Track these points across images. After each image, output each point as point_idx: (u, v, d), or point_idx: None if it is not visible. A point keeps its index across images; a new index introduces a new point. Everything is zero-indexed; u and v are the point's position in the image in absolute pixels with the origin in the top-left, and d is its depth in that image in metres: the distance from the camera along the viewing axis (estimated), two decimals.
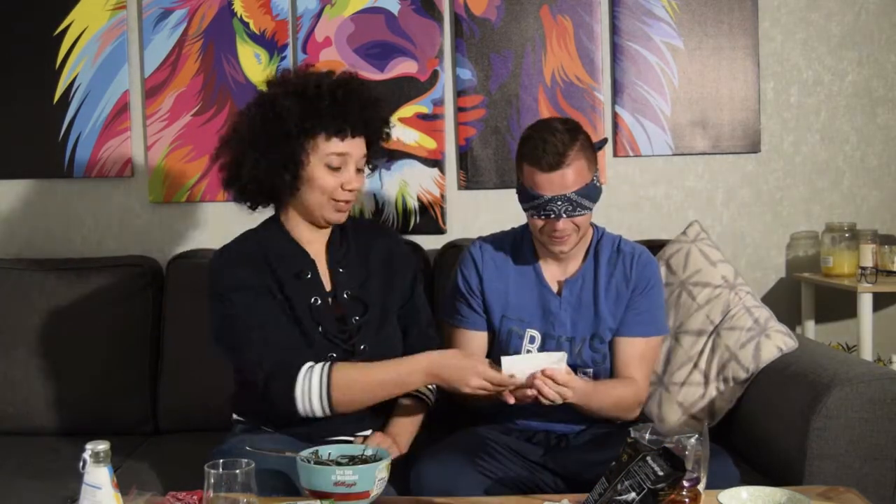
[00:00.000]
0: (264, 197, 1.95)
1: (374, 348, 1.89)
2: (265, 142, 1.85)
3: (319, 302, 1.90)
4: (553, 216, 1.88)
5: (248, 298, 1.85)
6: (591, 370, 2.00)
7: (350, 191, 1.89)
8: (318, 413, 1.78)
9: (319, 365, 1.78)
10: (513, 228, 2.14)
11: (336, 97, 1.86)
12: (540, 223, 1.92)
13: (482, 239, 2.13)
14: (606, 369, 2.01)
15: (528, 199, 1.91)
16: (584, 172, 1.89)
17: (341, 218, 1.94)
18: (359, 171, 1.92)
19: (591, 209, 1.93)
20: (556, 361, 1.78)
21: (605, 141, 2.09)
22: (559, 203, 1.87)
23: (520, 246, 2.08)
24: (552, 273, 2.04)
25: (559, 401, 1.78)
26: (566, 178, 1.87)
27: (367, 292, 1.95)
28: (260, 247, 1.93)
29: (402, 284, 2.02)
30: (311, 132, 1.85)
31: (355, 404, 1.81)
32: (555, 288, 2.03)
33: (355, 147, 1.89)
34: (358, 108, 1.88)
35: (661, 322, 2.08)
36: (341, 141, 1.86)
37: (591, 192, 1.91)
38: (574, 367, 1.97)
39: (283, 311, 1.87)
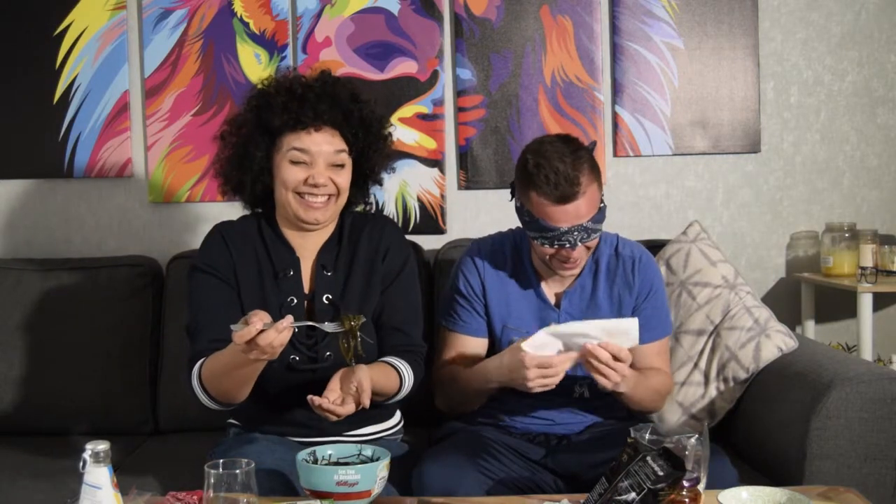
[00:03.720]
0: (247, 196, 1.95)
1: (340, 356, 1.81)
2: (235, 140, 1.89)
3: (295, 303, 1.88)
4: (569, 245, 1.83)
5: (210, 282, 1.87)
6: (588, 380, 1.96)
7: (315, 185, 1.84)
8: (213, 406, 1.79)
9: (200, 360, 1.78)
10: (510, 231, 2.09)
11: (293, 92, 1.85)
12: (550, 251, 1.87)
13: (480, 242, 2.08)
14: None
15: (540, 229, 1.84)
16: (596, 197, 1.84)
17: (315, 217, 1.87)
18: (336, 166, 1.87)
19: (601, 230, 1.89)
20: (625, 330, 1.75)
21: (594, 144, 1.97)
22: (574, 233, 1.81)
23: (518, 255, 2.03)
24: (550, 285, 2.01)
25: (614, 379, 1.75)
26: (580, 209, 1.81)
27: (347, 296, 1.91)
28: (259, 229, 1.95)
29: (383, 273, 1.95)
30: (268, 127, 1.85)
31: (230, 395, 1.77)
32: (553, 300, 2.00)
33: (321, 142, 1.85)
34: (318, 103, 1.84)
35: (668, 322, 2.07)
36: (301, 134, 1.84)
37: (602, 214, 1.87)
38: (574, 377, 1.97)
39: (252, 309, 1.83)
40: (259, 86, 1.94)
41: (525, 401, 1.97)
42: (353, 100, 1.91)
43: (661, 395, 2.02)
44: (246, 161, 1.88)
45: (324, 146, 1.85)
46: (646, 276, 2.00)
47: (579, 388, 1.99)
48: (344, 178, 1.89)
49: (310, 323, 1.70)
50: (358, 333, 1.69)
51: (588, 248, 1.89)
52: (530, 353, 1.74)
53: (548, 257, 1.89)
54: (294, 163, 1.84)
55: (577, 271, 1.93)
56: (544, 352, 1.76)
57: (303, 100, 1.84)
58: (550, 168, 1.79)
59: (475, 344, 2.03)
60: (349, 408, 1.66)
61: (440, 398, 2.05)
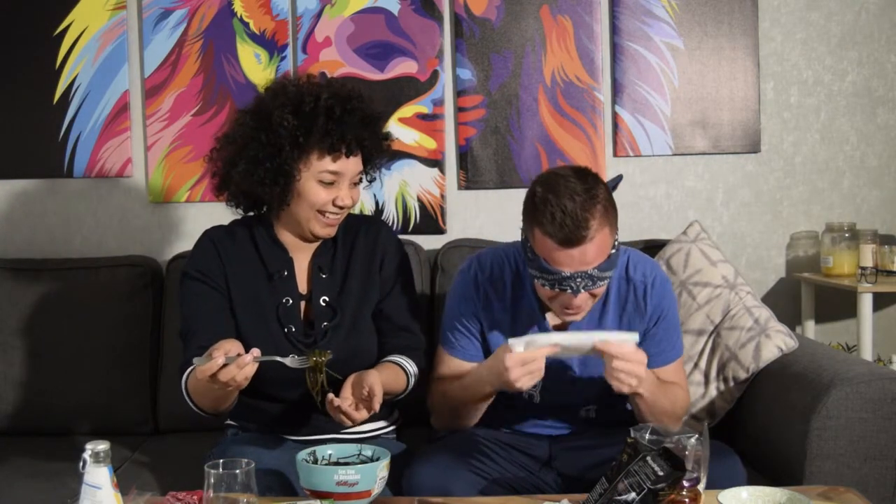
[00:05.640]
0: (254, 205, 1.94)
1: (340, 354, 1.80)
2: (257, 153, 1.82)
3: (291, 303, 1.89)
4: (570, 291, 1.69)
5: (200, 289, 1.88)
6: (594, 406, 1.94)
7: (341, 207, 1.86)
8: (202, 414, 1.81)
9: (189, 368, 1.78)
10: (512, 248, 1.95)
11: (332, 115, 1.81)
12: (550, 293, 1.75)
13: (479, 264, 1.95)
14: (612, 405, 1.92)
15: (540, 269, 1.71)
16: (607, 243, 1.69)
17: (329, 233, 1.90)
18: (354, 184, 1.89)
19: (610, 278, 1.75)
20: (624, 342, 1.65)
21: (619, 178, 1.83)
22: (578, 280, 1.67)
23: (520, 280, 1.91)
24: (554, 315, 1.89)
25: (633, 383, 1.66)
26: (587, 255, 1.66)
27: (344, 296, 1.91)
28: (250, 232, 1.94)
29: (382, 279, 1.96)
30: (305, 148, 1.81)
31: (213, 407, 1.80)
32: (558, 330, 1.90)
33: (350, 165, 1.85)
34: (354, 128, 1.83)
35: (679, 344, 1.97)
36: (335, 161, 1.83)
37: (613, 262, 1.72)
38: (577, 405, 1.94)
39: (248, 311, 1.88)
40: (282, 90, 1.86)
41: (528, 421, 1.95)
42: (378, 121, 1.93)
43: (678, 408, 1.91)
44: (280, 177, 1.82)
45: (351, 167, 1.87)
46: (659, 302, 1.89)
47: (585, 411, 1.96)
48: (358, 193, 1.92)
49: (275, 358, 1.68)
50: (325, 369, 1.70)
51: (594, 295, 1.75)
52: (512, 352, 1.66)
53: (548, 299, 1.79)
54: (322, 183, 1.84)
55: (578, 318, 1.81)
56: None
57: (342, 123, 1.82)
58: (558, 206, 1.64)
59: (471, 369, 1.94)
60: (363, 414, 1.68)
61: (435, 417, 2.00)
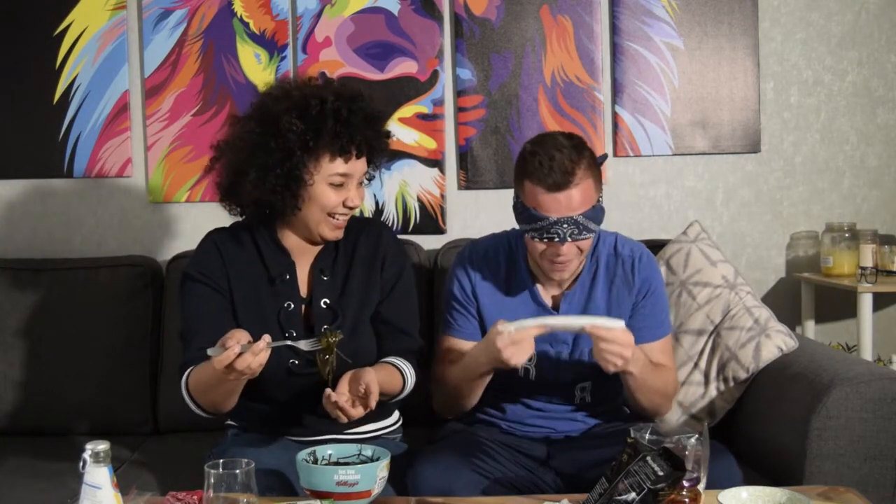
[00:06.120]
0: (262, 212, 1.91)
1: (340, 358, 1.79)
2: (267, 160, 1.80)
3: (293, 307, 1.89)
4: (557, 239, 1.79)
5: (202, 291, 1.88)
6: (589, 383, 1.97)
7: (351, 208, 1.87)
8: (202, 414, 1.82)
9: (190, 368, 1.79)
10: (505, 233, 2.06)
11: (340, 117, 1.81)
12: (541, 247, 1.83)
13: (472, 247, 2.05)
14: (606, 383, 1.95)
15: (531, 220, 1.81)
16: (591, 193, 1.81)
17: (338, 235, 1.90)
18: (359, 184, 1.90)
19: (595, 232, 1.85)
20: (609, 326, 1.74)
21: (605, 157, 1.97)
22: (565, 226, 1.78)
23: (513, 258, 2.00)
24: (548, 288, 1.97)
25: (619, 363, 1.74)
26: (573, 200, 1.77)
27: (345, 300, 1.91)
28: (252, 235, 1.94)
29: (382, 281, 1.96)
30: (315, 151, 1.81)
31: (216, 406, 1.80)
32: (551, 303, 1.97)
33: (358, 166, 1.86)
34: (361, 128, 1.84)
35: (667, 322, 2.05)
36: (346, 162, 1.83)
37: (598, 214, 1.83)
38: (572, 382, 1.97)
39: (249, 314, 1.88)
40: (285, 95, 1.86)
41: (526, 410, 1.98)
42: (380, 120, 1.94)
43: (669, 388, 2.00)
44: (292, 182, 1.81)
45: (360, 168, 1.88)
46: (646, 275, 1.98)
47: (580, 392, 1.98)
48: (363, 192, 1.93)
49: (287, 342, 1.71)
50: (335, 350, 1.72)
51: (580, 249, 1.84)
52: (502, 334, 1.73)
53: (539, 255, 1.86)
54: (333, 185, 1.84)
55: (566, 274, 1.89)
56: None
57: (350, 125, 1.82)
58: (546, 155, 1.78)
59: (468, 349, 1.98)
60: (359, 410, 1.69)
61: (436, 400, 2.04)
